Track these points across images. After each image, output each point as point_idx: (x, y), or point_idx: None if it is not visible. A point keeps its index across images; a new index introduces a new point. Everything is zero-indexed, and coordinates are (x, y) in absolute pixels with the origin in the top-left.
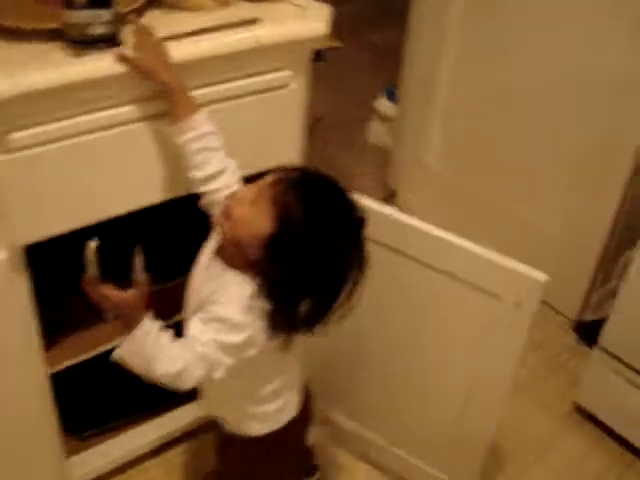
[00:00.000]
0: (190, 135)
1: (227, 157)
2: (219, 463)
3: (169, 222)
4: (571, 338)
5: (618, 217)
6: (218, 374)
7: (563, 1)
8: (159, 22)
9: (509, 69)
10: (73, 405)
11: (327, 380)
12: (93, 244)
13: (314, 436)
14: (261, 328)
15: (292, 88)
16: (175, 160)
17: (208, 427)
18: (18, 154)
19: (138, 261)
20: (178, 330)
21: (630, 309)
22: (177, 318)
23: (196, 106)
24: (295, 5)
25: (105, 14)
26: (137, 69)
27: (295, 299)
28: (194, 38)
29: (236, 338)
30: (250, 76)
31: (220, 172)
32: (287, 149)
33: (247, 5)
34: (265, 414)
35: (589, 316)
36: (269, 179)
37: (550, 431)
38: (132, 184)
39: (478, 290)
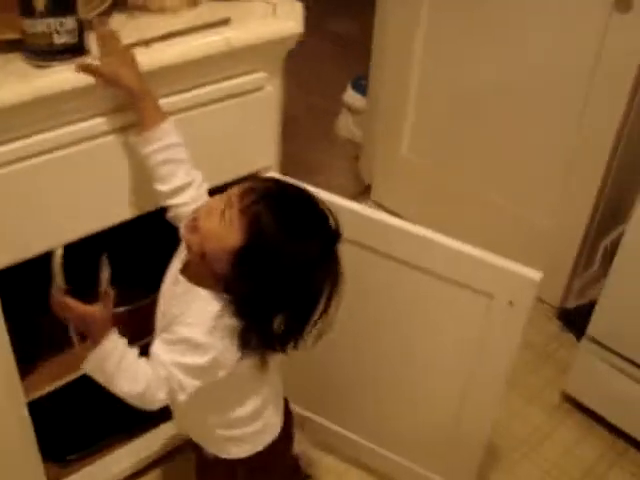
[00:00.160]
0: (155, 146)
1: (193, 169)
2: None
3: (144, 237)
4: (555, 326)
5: (598, 204)
6: (182, 397)
7: None
8: (125, 26)
9: (486, 58)
10: (52, 430)
11: (315, 386)
12: (59, 252)
13: (300, 446)
14: (229, 348)
15: (267, 90)
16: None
17: (189, 445)
18: None
19: (104, 273)
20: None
21: (618, 297)
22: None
23: (163, 115)
24: (265, 3)
25: (68, 21)
26: (100, 77)
27: (266, 316)
28: (163, 43)
29: (200, 360)
30: (223, 80)
31: (186, 185)
32: (264, 154)
33: (216, 5)
34: (244, 436)
35: (572, 303)
36: (238, 190)
37: (541, 422)
38: (104, 201)
39: (470, 290)
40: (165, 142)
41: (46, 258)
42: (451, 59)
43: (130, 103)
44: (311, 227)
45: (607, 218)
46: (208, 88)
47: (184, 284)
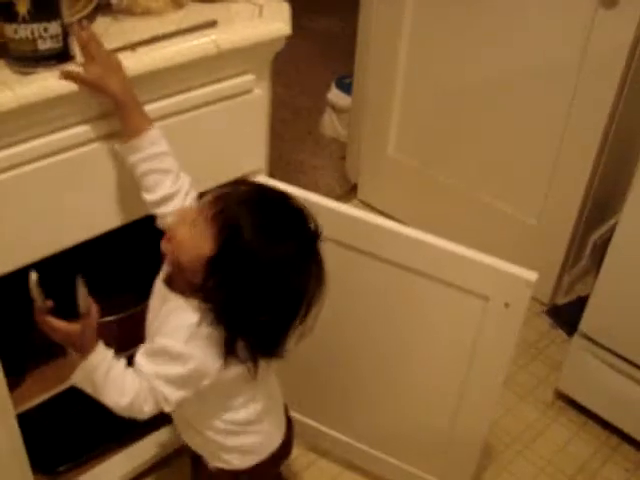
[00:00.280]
0: (142, 155)
1: (182, 176)
2: None
3: (136, 243)
4: (545, 322)
5: (586, 199)
6: (167, 408)
7: None
8: (111, 30)
9: (472, 56)
10: (42, 442)
11: (308, 389)
12: (34, 276)
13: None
14: (210, 357)
15: (256, 93)
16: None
17: (182, 452)
18: None
19: (81, 291)
20: None
21: (609, 293)
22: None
23: (149, 123)
24: (251, 4)
25: (52, 26)
26: (84, 84)
27: (247, 322)
28: (150, 47)
29: (181, 369)
30: (211, 83)
31: (173, 195)
32: (253, 157)
33: (200, 7)
34: (245, 446)
35: (561, 299)
36: (208, 197)
37: (534, 419)
38: (91, 209)
39: (466, 292)
40: (151, 151)
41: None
42: (437, 57)
43: (116, 110)
44: (284, 228)
45: (595, 213)
46: (196, 92)
47: (166, 293)
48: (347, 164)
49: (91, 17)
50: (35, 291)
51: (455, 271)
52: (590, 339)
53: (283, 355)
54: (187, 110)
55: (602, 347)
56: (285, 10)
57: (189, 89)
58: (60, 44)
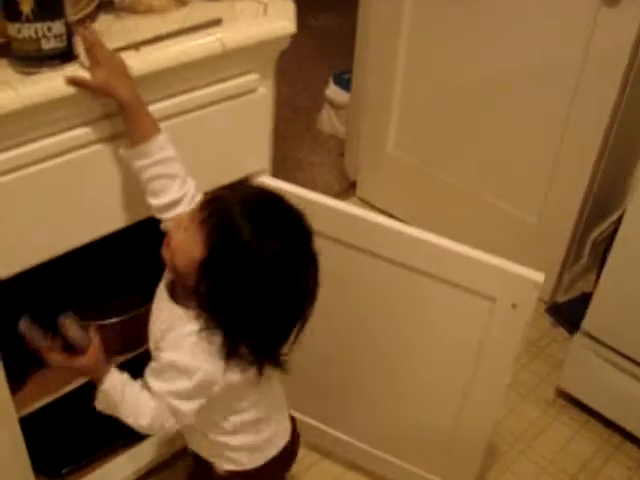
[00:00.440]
0: (149, 160)
1: (188, 181)
2: None
3: (140, 244)
4: (546, 321)
5: (587, 197)
6: (188, 419)
7: None
8: (113, 28)
9: (472, 54)
10: (45, 445)
11: (311, 389)
12: (25, 320)
13: None
14: (216, 364)
15: (260, 92)
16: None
17: (184, 454)
18: None
19: (74, 329)
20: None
21: (612, 291)
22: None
23: (156, 127)
24: (256, 2)
25: (56, 26)
26: (91, 90)
27: (241, 326)
28: (154, 46)
29: (190, 383)
30: (216, 83)
31: (178, 200)
32: (257, 157)
33: (204, 5)
34: (250, 444)
35: (562, 297)
36: (200, 201)
37: (536, 418)
38: (96, 211)
39: (472, 293)
40: (160, 156)
41: (31, 270)
42: (436, 54)
43: (122, 114)
44: (273, 229)
45: (595, 211)
46: (200, 91)
47: (167, 301)
48: (346, 161)
49: (93, 15)
50: (32, 334)
51: (462, 272)
52: (592, 337)
53: (285, 358)
54: (191, 110)
55: (605, 345)
56: (290, 8)
57: (193, 89)
58: (64, 43)
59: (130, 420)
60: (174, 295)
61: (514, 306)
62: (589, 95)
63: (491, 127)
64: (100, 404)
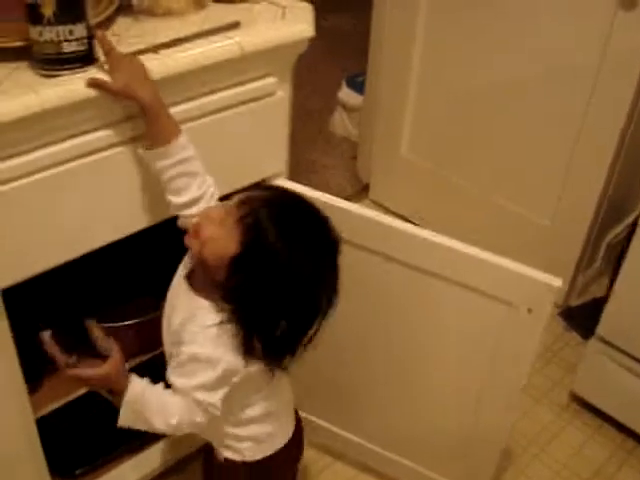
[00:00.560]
0: (171, 160)
1: (207, 179)
2: None
3: (154, 246)
4: (559, 325)
5: (601, 201)
6: (216, 411)
7: None
8: (132, 32)
9: (487, 57)
10: (60, 445)
11: (325, 392)
12: (47, 335)
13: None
14: (236, 355)
15: (278, 95)
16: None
17: (196, 456)
18: None
19: (98, 334)
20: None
21: (627, 296)
22: None
23: (177, 128)
24: (274, 5)
25: (77, 29)
26: (112, 93)
27: (265, 323)
28: (174, 49)
29: (214, 373)
30: (234, 86)
31: (199, 198)
32: (274, 160)
33: (222, 8)
34: (257, 437)
35: (575, 301)
36: (237, 198)
37: (549, 422)
38: (116, 212)
39: (489, 297)
40: (180, 156)
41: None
42: (451, 58)
43: (143, 116)
44: (307, 237)
45: (610, 214)
46: (219, 94)
47: (187, 292)
48: (358, 164)
49: (112, 18)
50: (53, 349)
51: (477, 275)
52: (607, 342)
53: (296, 357)
54: (210, 113)
55: (619, 350)
56: (308, 11)
57: (212, 92)
58: (85, 47)
59: (159, 423)
60: (193, 286)
61: (530, 310)
62: (605, 98)
63: (505, 130)
64: (126, 419)
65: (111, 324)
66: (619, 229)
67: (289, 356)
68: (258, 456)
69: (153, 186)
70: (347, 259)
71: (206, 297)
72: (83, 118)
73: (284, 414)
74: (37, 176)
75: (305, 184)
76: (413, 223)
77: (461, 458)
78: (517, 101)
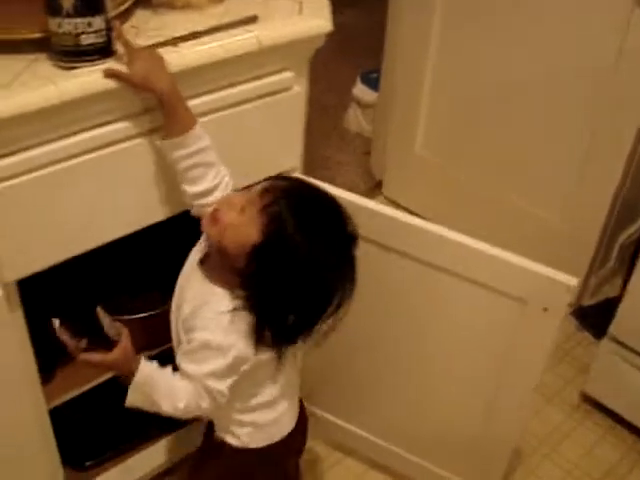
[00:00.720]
0: (187, 150)
1: (221, 169)
2: (200, 471)
3: (161, 241)
4: (571, 324)
5: (615, 201)
6: (224, 399)
7: None
8: (151, 24)
9: (502, 54)
10: (71, 437)
11: (337, 387)
12: (57, 322)
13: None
14: (247, 343)
15: (295, 90)
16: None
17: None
18: (6, 183)
19: (106, 321)
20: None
21: None
22: None
23: (193, 119)
24: (291, 0)
25: (96, 21)
26: (129, 84)
27: (279, 312)
28: (192, 42)
29: (224, 360)
30: (252, 80)
31: (214, 188)
32: (290, 154)
33: (240, 1)
34: (257, 425)
35: (587, 300)
36: (260, 187)
37: (560, 422)
38: (132, 204)
39: (503, 295)
40: (196, 147)
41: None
42: (466, 55)
43: (160, 107)
44: (328, 230)
45: (624, 214)
46: (237, 88)
47: (200, 278)
48: (372, 160)
49: (131, 10)
50: (63, 336)
51: (492, 273)
52: (619, 342)
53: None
54: (227, 107)
55: (632, 351)
56: (325, 6)
57: (229, 85)
58: (103, 39)
59: (167, 406)
60: (206, 272)
61: (545, 310)
62: (621, 96)
63: (519, 129)
64: (133, 400)
65: (119, 317)
66: (633, 229)
67: (299, 343)
68: (256, 443)
69: (170, 178)
70: (359, 254)
71: (220, 284)
72: (101, 110)
73: (288, 403)
74: (55, 167)
75: (319, 180)
76: (426, 220)
77: (472, 456)
78: (531, 99)
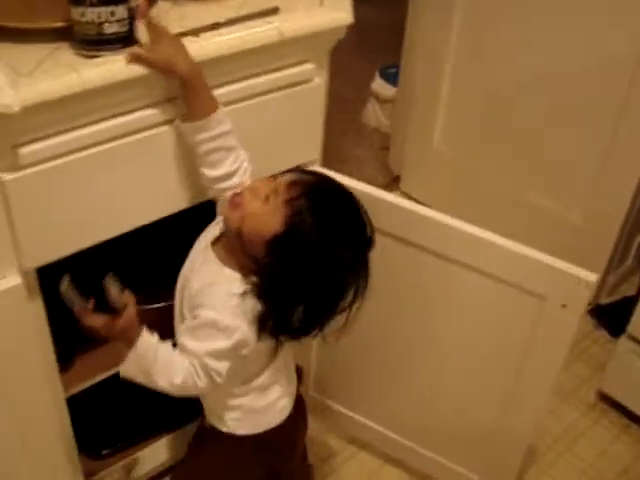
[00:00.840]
0: (209, 134)
1: (241, 154)
2: (192, 456)
3: (167, 235)
4: (588, 322)
5: (635, 198)
6: (220, 379)
7: None
8: (171, 15)
9: (522, 51)
10: (87, 425)
11: (348, 380)
12: (65, 281)
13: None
14: (251, 328)
15: (315, 82)
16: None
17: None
18: (28, 170)
19: (113, 290)
20: None
21: None
22: None
23: (215, 102)
24: None
25: (119, 10)
26: (153, 66)
27: (287, 304)
28: (212, 33)
29: (228, 342)
30: (272, 71)
31: (233, 173)
32: (310, 147)
33: None
34: (245, 412)
35: (605, 299)
36: (287, 179)
37: (576, 420)
38: (156, 192)
39: (521, 290)
40: (218, 130)
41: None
42: (486, 50)
43: (183, 90)
44: (347, 231)
45: None
46: (257, 79)
47: (212, 258)
48: (390, 155)
49: (152, 1)
50: (71, 295)
51: (511, 268)
52: (637, 341)
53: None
54: (248, 98)
55: None
56: None
57: (250, 76)
58: (126, 28)
59: (163, 380)
60: (219, 253)
61: (564, 306)
62: None
63: (538, 125)
64: (130, 370)
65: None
66: None
67: (304, 337)
68: (245, 430)
69: (194, 166)
70: (377, 247)
71: (231, 266)
72: (124, 98)
73: (281, 391)
74: (78, 155)
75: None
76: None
77: (486, 453)
78: (552, 95)
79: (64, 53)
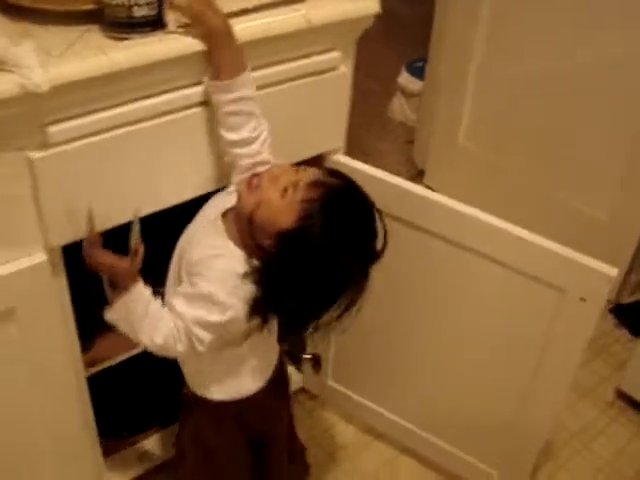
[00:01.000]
0: (232, 96)
1: (262, 122)
2: (182, 426)
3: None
4: (609, 321)
5: None
6: (201, 348)
7: None
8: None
9: (549, 46)
10: (108, 406)
11: (364, 370)
12: (90, 209)
13: None
14: (244, 308)
15: (342, 70)
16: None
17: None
18: (57, 149)
19: (135, 229)
20: None
21: None
22: None
23: (243, 65)
24: None
25: None
26: (189, 15)
27: (283, 295)
28: (240, 18)
29: (220, 317)
30: (299, 58)
31: (253, 139)
32: (333, 135)
33: None
34: (223, 378)
35: (627, 298)
36: (310, 176)
37: (594, 418)
38: (183, 174)
39: (541, 283)
40: (242, 93)
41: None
42: (514, 46)
43: (213, 47)
44: (356, 243)
45: None
46: (284, 66)
47: (220, 229)
48: (415, 149)
49: None
50: (89, 221)
51: (532, 260)
52: None
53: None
54: (275, 84)
55: None
56: None
57: (277, 63)
58: (155, 11)
59: (144, 335)
60: (227, 226)
61: (583, 300)
62: None
63: (564, 121)
64: (116, 315)
65: None
66: None
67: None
68: (221, 395)
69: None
70: (396, 236)
71: (237, 243)
72: (151, 81)
73: (257, 364)
74: (108, 134)
75: None
76: None
77: (502, 446)
78: (578, 92)
79: (94, 35)
